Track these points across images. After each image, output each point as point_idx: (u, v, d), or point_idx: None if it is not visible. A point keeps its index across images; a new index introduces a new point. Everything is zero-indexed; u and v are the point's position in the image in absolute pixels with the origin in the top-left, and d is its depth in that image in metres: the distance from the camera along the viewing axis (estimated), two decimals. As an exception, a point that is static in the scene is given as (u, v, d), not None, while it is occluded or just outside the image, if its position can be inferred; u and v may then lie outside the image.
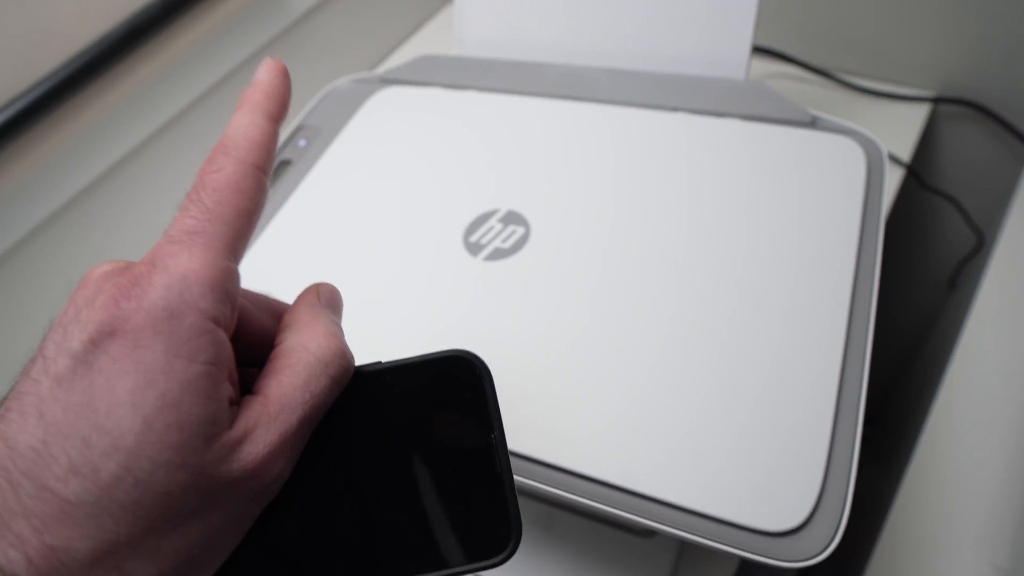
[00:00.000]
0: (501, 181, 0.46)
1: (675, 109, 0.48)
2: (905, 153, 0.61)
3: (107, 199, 0.58)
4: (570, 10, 0.54)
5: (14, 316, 0.53)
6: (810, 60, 0.67)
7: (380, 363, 0.23)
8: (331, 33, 0.74)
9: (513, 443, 0.33)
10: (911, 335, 0.82)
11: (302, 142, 0.52)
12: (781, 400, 0.33)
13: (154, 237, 0.21)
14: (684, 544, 0.43)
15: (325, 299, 0.24)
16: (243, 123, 0.22)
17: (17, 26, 0.52)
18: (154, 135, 0.60)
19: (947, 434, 0.47)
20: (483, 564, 0.21)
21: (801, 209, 0.41)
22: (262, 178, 0.22)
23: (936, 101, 0.66)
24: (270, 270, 0.44)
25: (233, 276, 0.21)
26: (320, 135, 0.52)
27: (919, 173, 0.67)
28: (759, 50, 0.67)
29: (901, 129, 0.63)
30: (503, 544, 0.22)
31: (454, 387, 0.23)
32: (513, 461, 0.33)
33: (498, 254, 0.41)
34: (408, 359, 0.23)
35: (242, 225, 0.21)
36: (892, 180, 0.60)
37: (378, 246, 0.44)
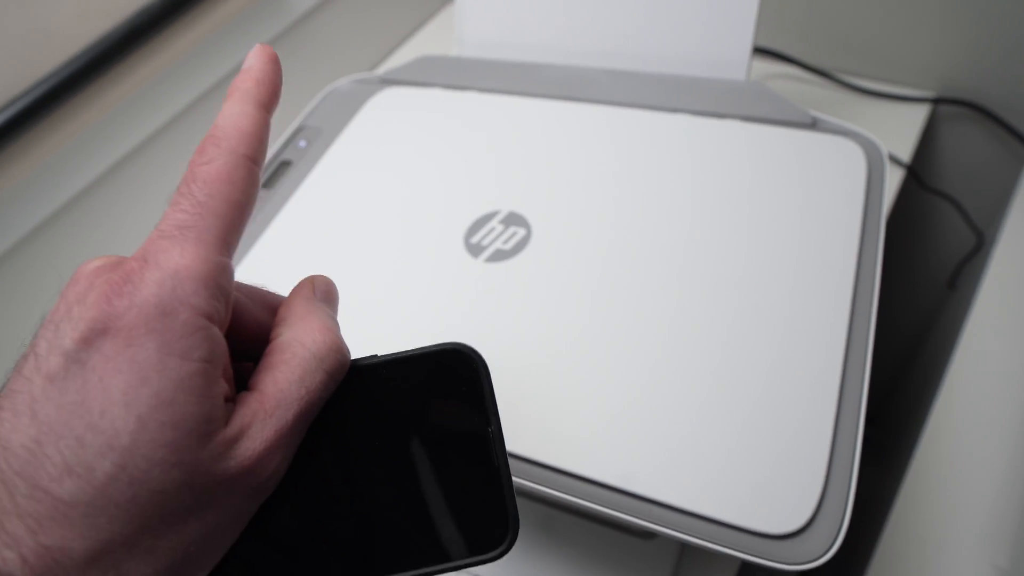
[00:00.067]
0: (502, 182, 0.46)
1: (675, 110, 0.48)
2: (905, 154, 0.61)
3: (107, 199, 0.58)
4: (570, 11, 0.54)
5: (14, 316, 0.52)
6: (810, 61, 0.67)
7: (376, 356, 0.23)
8: (331, 33, 0.74)
9: (513, 444, 0.33)
10: (911, 335, 0.82)
11: (302, 143, 0.52)
12: (782, 401, 0.33)
13: (154, 238, 0.20)
14: (685, 546, 0.43)
15: (320, 292, 0.24)
16: (233, 112, 0.21)
17: (17, 26, 0.52)
18: (154, 135, 0.60)
19: (948, 434, 0.47)
20: (480, 558, 0.21)
21: (802, 210, 0.41)
22: (254, 169, 0.21)
23: (936, 102, 0.65)
24: (271, 271, 0.44)
25: (226, 270, 0.20)
26: (320, 136, 0.52)
27: (919, 173, 0.67)
28: (759, 51, 0.67)
29: (901, 130, 0.63)
30: (500, 538, 0.21)
31: (451, 380, 0.22)
32: (513, 463, 0.33)
33: (499, 255, 0.41)
34: (405, 352, 0.23)
35: (234, 218, 0.20)
36: (892, 181, 0.59)
37: (379, 247, 0.44)
